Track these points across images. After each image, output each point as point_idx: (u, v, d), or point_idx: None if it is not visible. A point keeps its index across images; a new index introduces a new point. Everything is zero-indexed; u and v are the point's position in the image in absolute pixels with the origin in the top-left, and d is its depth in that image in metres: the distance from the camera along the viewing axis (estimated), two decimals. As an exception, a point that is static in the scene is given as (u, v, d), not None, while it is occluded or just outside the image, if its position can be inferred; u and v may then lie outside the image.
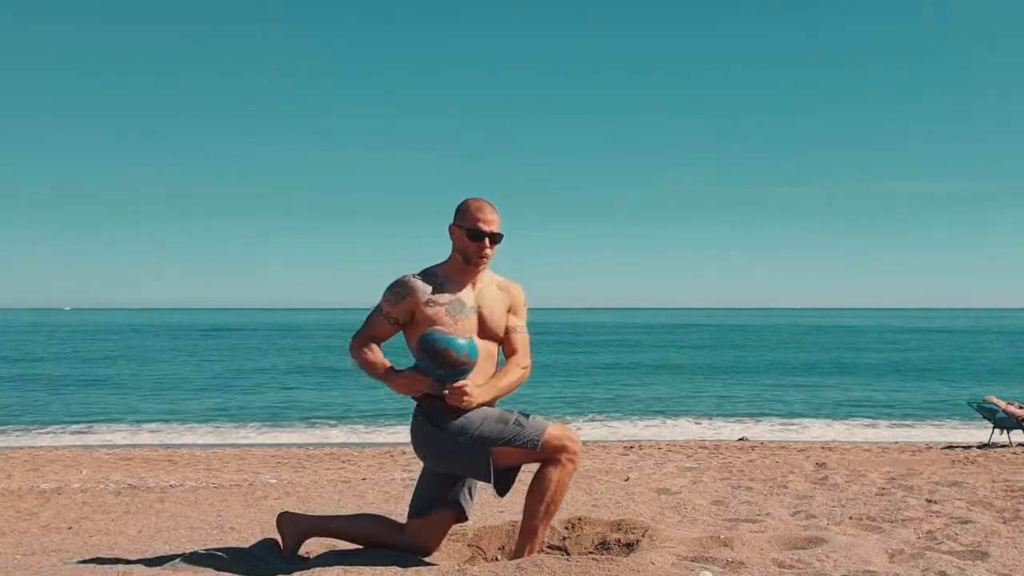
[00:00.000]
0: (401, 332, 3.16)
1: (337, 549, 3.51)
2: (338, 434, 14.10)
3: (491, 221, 3.13)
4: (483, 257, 3.12)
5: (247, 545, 3.67)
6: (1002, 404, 10.38)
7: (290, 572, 3.05)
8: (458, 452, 3.03)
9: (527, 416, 3.06)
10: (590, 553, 3.32)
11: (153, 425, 15.04)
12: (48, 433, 14.08)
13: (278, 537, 3.68)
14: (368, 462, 9.08)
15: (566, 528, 3.65)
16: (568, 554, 3.34)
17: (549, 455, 3.01)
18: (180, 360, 32.94)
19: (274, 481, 7.01)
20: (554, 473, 3.01)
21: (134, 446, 12.18)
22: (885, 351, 38.66)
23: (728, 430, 14.27)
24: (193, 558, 3.23)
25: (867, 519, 4.19)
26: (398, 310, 3.10)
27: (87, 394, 20.47)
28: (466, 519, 3.23)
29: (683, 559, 3.06)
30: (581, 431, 13.68)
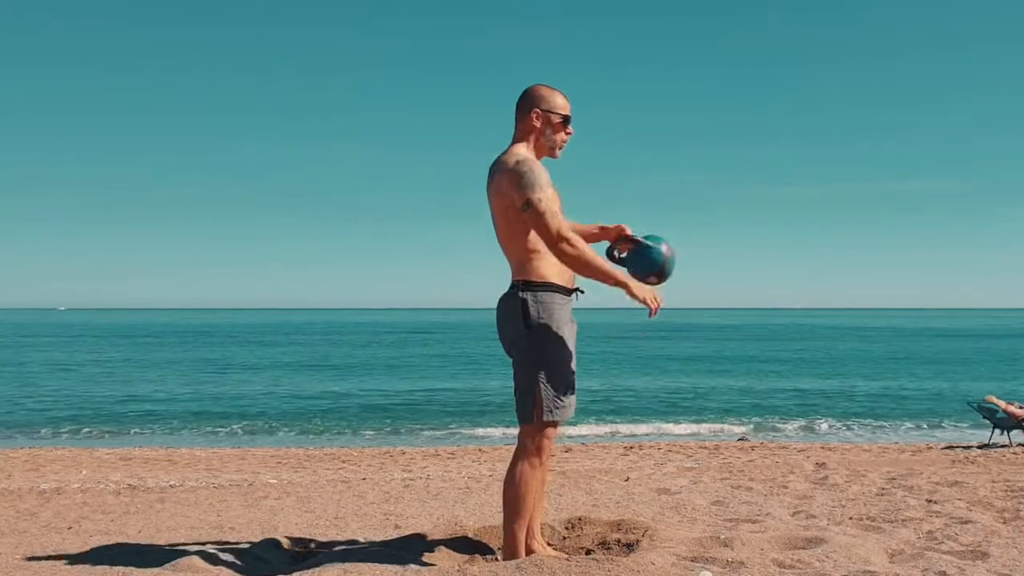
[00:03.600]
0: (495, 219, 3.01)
1: (337, 549, 3.51)
2: (338, 434, 14.10)
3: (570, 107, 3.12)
4: (566, 144, 3.12)
5: (247, 545, 3.67)
6: (1002, 404, 10.38)
7: (290, 572, 3.05)
8: (523, 353, 2.95)
9: (572, 392, 3.02)
10: (590, 553, 3.32)
11: (153, 425, 15.03)
12: (48, 433, 14.07)
13: (277, 538, 3.69)
14: (368, 462, 9.08)
15: (566, 528, 3.66)
16: (568, 554, 3.34)
17: (536, 442, 2.98)
18: (179, 360, 32.93)
19: (274, 481, 7.00)
20: (522, 470, 2.99)
21: (134, 446, 12.17)
22: (884, 350, 38.66)
23: (728, 430, 14.27)
24: (193, 558, 3.23)
25: (867, 519, 4.19)
26: (551, 192, 2.93)
27: (87, 394, 20.46)
28: (548, 419, 2.98)
29: (683, 559, 3.06)
30: (581, 431, 13.69)
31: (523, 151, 3.02)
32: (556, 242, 2.86)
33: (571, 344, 3.03)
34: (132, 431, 14.40)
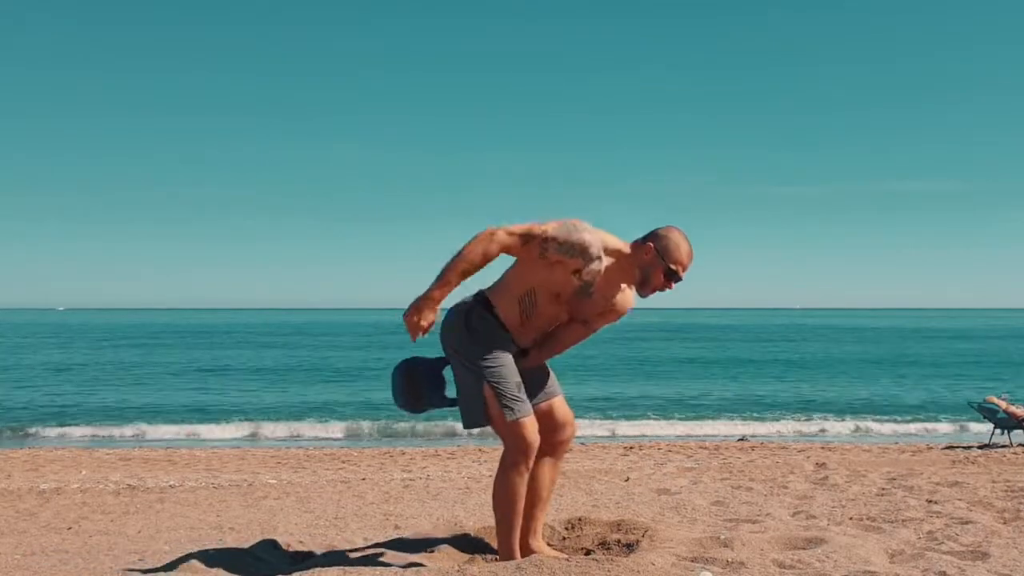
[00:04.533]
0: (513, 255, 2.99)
1: (337, 549, 3.51)
2: (338, 434, 14.10)
3: (687, 268, 3.03)
4: (656, 291, 3.04)
5: (247, 545, 3.67)
6: (1003, 404, 10.38)
7: (290, 572, 3.05)
8: (465, 363, 2.96)
9: (522, 387, 3.00)
10: (590, 553, 3.32)
11: (152, 425, 15.03)
12: (48, 433, 14.07)
13: (277, 538, 3.69)
14: (368, 462, 9.08)
15: (566, 528, 3.65)
16: (568, 554, 3.34)
17: (510, 443, 2.97)
18: (179, 360, 32.94)
19: (274, 481, 7.01)
20: (503, 476, 2.99)
21: (134, 446, 12.17)
22: (885, 351, 38.66)
23: (728, 430, 14.27)
24: (193, 558, 3.23)
25: (867, 519, 4.19)
26: (557, 255, 2.90)
27: (86, 394, 20.47)
28: (511, 419, 2.96)
29: (683, 559, 3.06)
30: (581, 431, 13.68)
31: (606, 259, 2.96)
32: (489, 232, 2.87)
33: (511, 358, 3.00)
34: (130, 431, 14.39)
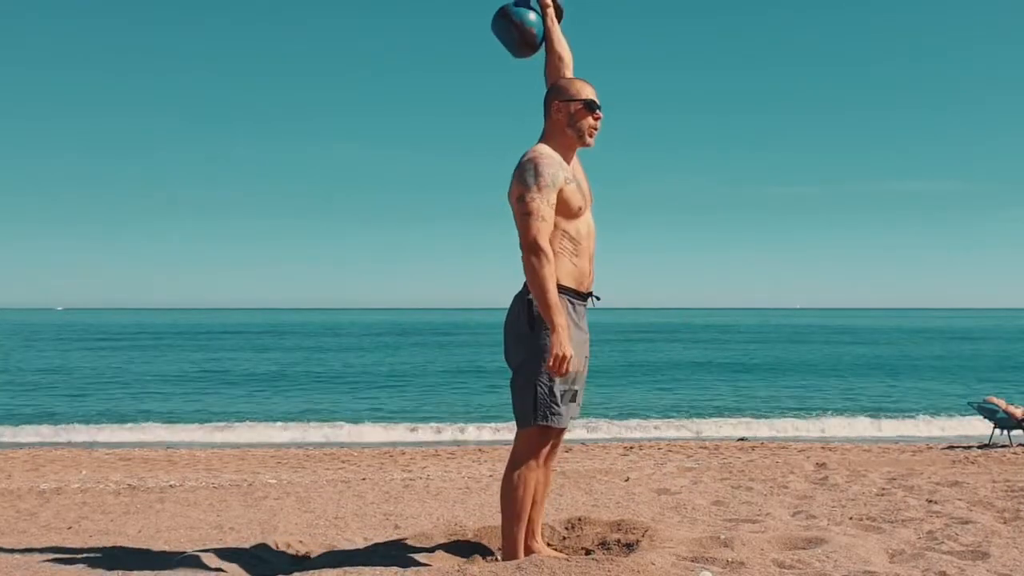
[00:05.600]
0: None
1: (337, 549, 3.51)
2: (338, 434, 14.10)
3: (595, 92, 3.08)
4: (596, 129, 3.07)
5: (247, 545, 3.67)
6: (1003, 404, 10.38)
7: (290, 572, 3.05)
8: (525, 354, 2.93)
9: (572, 400, 2.98)
10: (590, 553, 3.32)
11: (152, 425, 15.03)
12: (48, 433, 14.07)
13: (277, 538, 3.68)
14: (368, 462, 9.08)
15: (566, 528, 3.65)
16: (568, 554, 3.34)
17: (530, 446, 2.95)
18: (176, 360, 32.93)
19: (274, 481, 7.00)
20: (511, 478, 2.99)
21: (134, 446, 12.17)
22: (885, 351, 38.66)
23: (728, 430, 14.26)
24: (193, 558, 3.23)
25: (867, 519, 4.19)
26: (555, 194, 2.89)
27: (85, 394, 20.47)
28: (544, 423, 2.94)
29: (683, 559, 3.06)
30: (580, 432, 13.68)
31: (541, 147, 2.99)
32: (528, 248, 2.82)
33: (576, 351, 2.92)
34: (132, 431, 14.39)
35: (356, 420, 15.64)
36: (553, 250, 2.91)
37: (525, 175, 2.88)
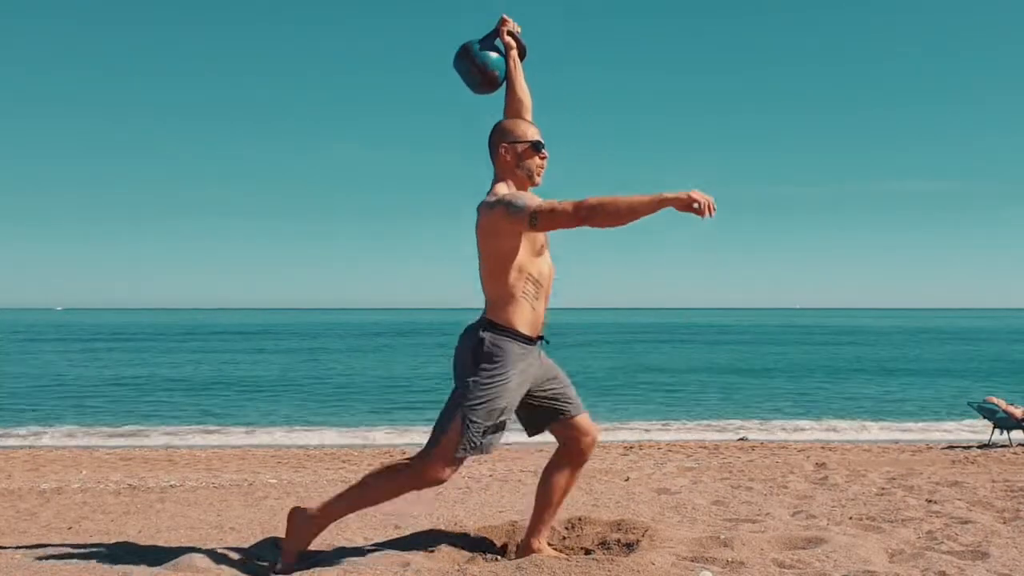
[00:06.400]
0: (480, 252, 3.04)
1: (337, 549, 3.51)
2: (338, 434, 14.09)
3: (539, 131, 3.15)
4: (543, 168, 3.13)
5: (248, 545, 3.67)
6: (1003, 404, 10.38)
7: (290, 572, 3.05)
8: (463, 388, 2.99)
9: (495, 432, 3.01)
10: (590, 553, 3.33)
11: (151, 425, 15.03)
12: (48, 433, 14.06)
13: (278, 538, 3.68)
14: (368, 462, 9.08)
15: (566, 528, 3.66)
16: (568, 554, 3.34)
17: (430, 470, 2.99)
18: (180, 360, 32.93)
19: (274, 481, 7.01)
20: (395, 477, 3.05)
21: (134, 446, 12.17)
22: (885, 351, 38.66)
23: (728, 430, 14.26)
24: (193, 558, 3.23)
25: (867, 519, 4.19)
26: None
27: (85, 394, 20.46)
28: (460, 456, 3.01)
29: (683, 559, 3.06)
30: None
31: (502, 188, 3.06)
32: (582, 215, 2.79)
33: (517, 391, 3.03)
34: (132, 430, 14.38)
35: (357, 421, 15.65)
36: (515, 294, 2.99)
37: (511, 206, 2.91)
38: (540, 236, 3.05)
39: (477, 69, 3.31)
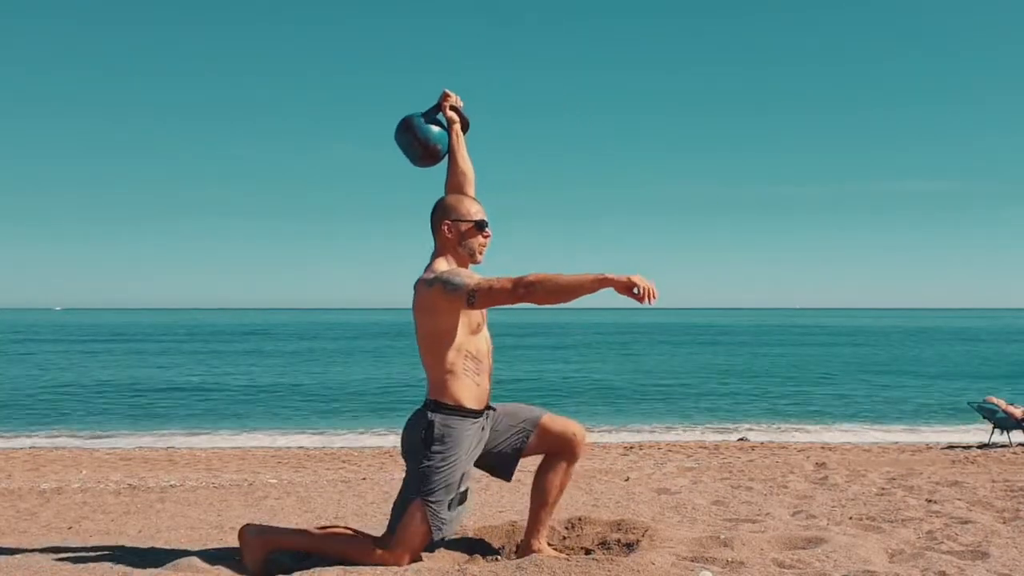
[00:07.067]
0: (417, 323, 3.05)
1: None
2: (338, 434, 14.10)
3: (482, 210, 3.16)
4: (486, 247, 3.15)
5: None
6: (1002, 404, 10.39)
7: (290, 572, 3.05)
8: (417, 471, 3.00)
9: (460, 503, 3.03)
10: (590, 553, 3.33)
11: (152, 425, 15.03)
12: (48, 433, 14.06)
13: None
14: (368, 462, 9.08)
15: (566, 528, 3.66)
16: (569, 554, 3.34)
17: (400, 547, 2.98)
18: (180, 361, 32.93)
19: (274, 481, 7.01)
20: (360, 548, 3.04)
21: (134, 446, 12.17)
22: (885, 351, 38.66)
23: (728, 430, 14.26)
24: (193, 558, 3.23)
25: (867, 519, 4.19)
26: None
27: (85, 394, 20.46)
28: (438, 538, 3.04)
29: (683, 559, 3.06)
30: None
31: (442, 265, 3.06)
32: (520, 293, 2.79)
33: (469, 461, 3.06)
34: (131, 430, 14.38)
35: (357, 421, 15.65)
36: (455, 371, 3.01)
37: (448, 284, 2.91)
38: (477, 314, 3.05)
39: (419, 143, 3.30)
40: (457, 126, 3.40)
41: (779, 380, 24.21)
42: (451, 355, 3.01)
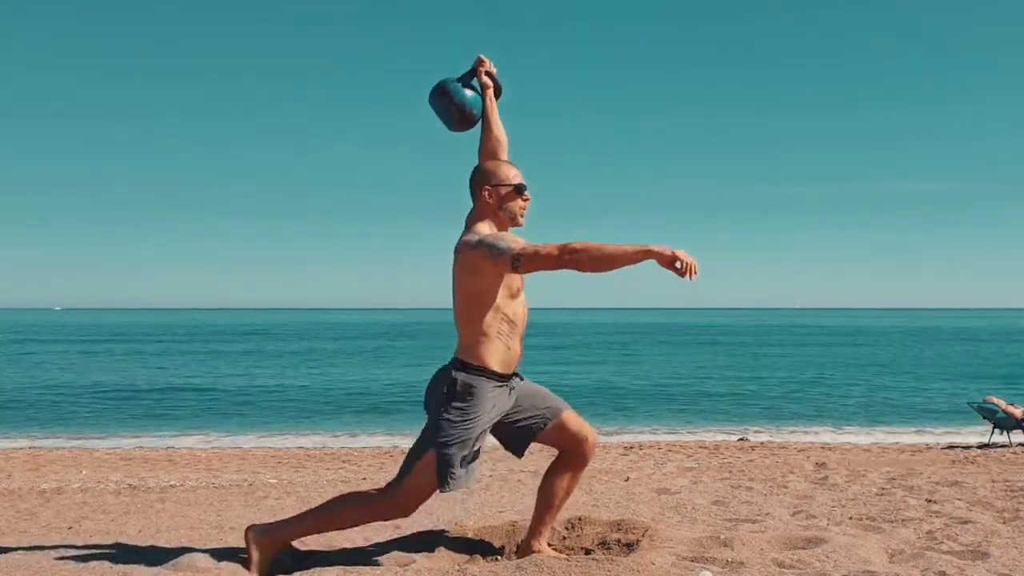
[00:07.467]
0: (455, 284, 3.07)
1: (337, 549, 3.51)
2: (338, 434, 14.10)
3: (520, 173, 3.19)
4: (526, 210, 3.17)
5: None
6: (1002, 404, 10.39)
7: (290, 572, 3.05)
8: (436, 424, 3.04)
9: (472, 461, 3.04)
10: (590, 553, 3.33)
11: (153, 425, 15.02)
12: (48, 433, 14.07)
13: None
14: (368, 462, 9.08)
15: (566, 528, 3.66)
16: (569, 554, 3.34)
17: (404, 498, 3.05)
18: (181, 361, 32.93)
19: (274, 481, 7.01)
20: (366, 504, 3.12)
21: (134, 446, 12.17)
22: (884, 351, 38.66)
23: (728, 430, 14.26)
24: (193, 558, 3.23)
25: (867, 519, 4.19)
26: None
27: (85, 395, 20.46)
28: (444, 492, 3.07)
29: (683, 559, 3.06)
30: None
31: (484, 228, 3.08)
32: (565, 259, 2.82)
33: (488, 423, 3.08)
34: (131, 430, 14.38)
35: (357, 422, 15.65)
36: (490, 334, 3.03)
37: (494, 248, 2.94)
38: (517, 278, 3.08)
39: (455, 107, 3.33)
40: (491, 91, 3.42)
41: (779, 380, 24.21)
42: (488, 317, 3.02)
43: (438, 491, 3.05)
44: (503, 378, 3.09)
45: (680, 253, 2.73)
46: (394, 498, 3.06)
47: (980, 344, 44.52)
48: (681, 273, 2.74)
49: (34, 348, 41.00)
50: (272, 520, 3.76)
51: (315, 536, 4.02)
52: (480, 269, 2.98)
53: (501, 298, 3.03)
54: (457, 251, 3.06)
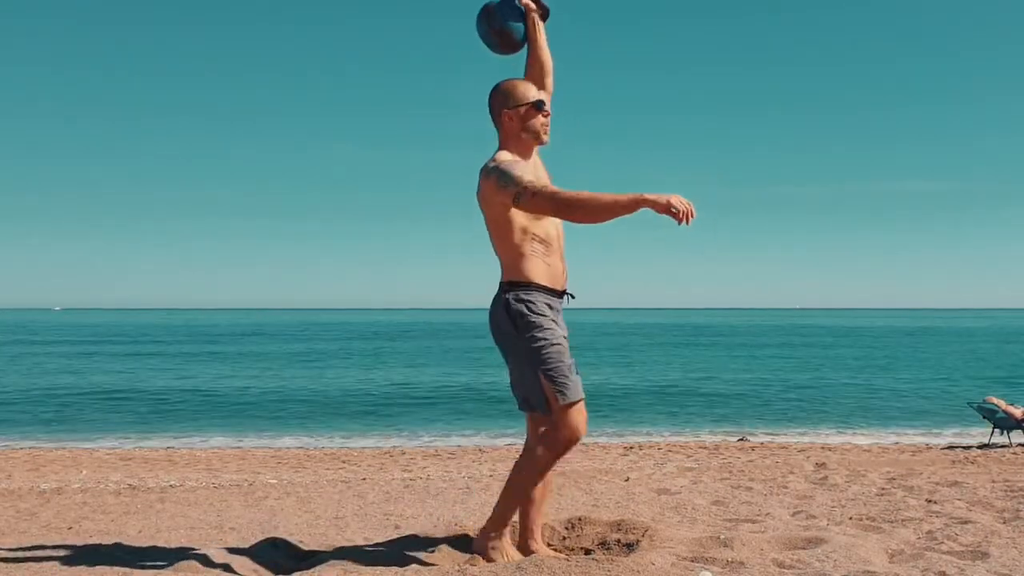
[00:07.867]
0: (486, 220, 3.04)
1: (337, 549, 3.51)
2: (337, 434, 14.10)
3: (539, 90, 3.15)
4: (548, 126, 3.13)
5: (247, 545, 3.67)
6: (1002, 404, 10.39)
7: (290, 572, 3.05)
8: (516, 351, 2.98)
9: (575, 372, 2.99)
10: (590, 553, 3.33)
11: (153, 425, 15.02)
12: (48, 433, 14.06)
13: (278, 537, 3.68)
14: (368, 462, 9.08)
15: (566, 528, 3.66)
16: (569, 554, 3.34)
17: (558, 431, 2.96)
18: (182, 362, 32.92)
19: (274, 481, 7.01)
20: (544, 455, 3.00)
21: (134, 446, 12.17)
22: (884, 351, 38.66)
23: (728, 430, 14.26)
24: (193, 558, 3.23)
25: (867, 519, 4.19)
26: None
27: (84, 394, 20.46)
28: (564, 403, 2.96)
29: (683, 559, 3.06)
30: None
31: (504, 155, 3.05)
32: (563, 206, 2.83)
33: (561, 331, 3.02)
34: (131, 430, 14.38)
35: (357, 422, 15.65)
36: (524, 252, 2.99)
37: (501, 178, 2.93)
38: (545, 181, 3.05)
39: (496, 31, 3.29)
40: (535, 14, 3.36)
41: (779, 380, 24.20)
42: (517, 237, 2.99)
43: (567, 402, 2.93)
44: (554, 293, 3.04)
45: (675, 199, 2.72)
46: (557, 429, 2.95)
47: (979, 344, 44.52)
48: (677, 218, 2.72)
49: (34, 348, 40.98)
50: (272, 523, 3.75)
51: (315, 536, 4.02)
52: (491, 198, 2.97)
53: (527, 219, 2.98)
54: (479, 177, 3.04)
